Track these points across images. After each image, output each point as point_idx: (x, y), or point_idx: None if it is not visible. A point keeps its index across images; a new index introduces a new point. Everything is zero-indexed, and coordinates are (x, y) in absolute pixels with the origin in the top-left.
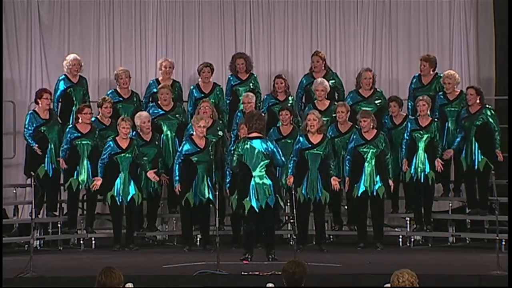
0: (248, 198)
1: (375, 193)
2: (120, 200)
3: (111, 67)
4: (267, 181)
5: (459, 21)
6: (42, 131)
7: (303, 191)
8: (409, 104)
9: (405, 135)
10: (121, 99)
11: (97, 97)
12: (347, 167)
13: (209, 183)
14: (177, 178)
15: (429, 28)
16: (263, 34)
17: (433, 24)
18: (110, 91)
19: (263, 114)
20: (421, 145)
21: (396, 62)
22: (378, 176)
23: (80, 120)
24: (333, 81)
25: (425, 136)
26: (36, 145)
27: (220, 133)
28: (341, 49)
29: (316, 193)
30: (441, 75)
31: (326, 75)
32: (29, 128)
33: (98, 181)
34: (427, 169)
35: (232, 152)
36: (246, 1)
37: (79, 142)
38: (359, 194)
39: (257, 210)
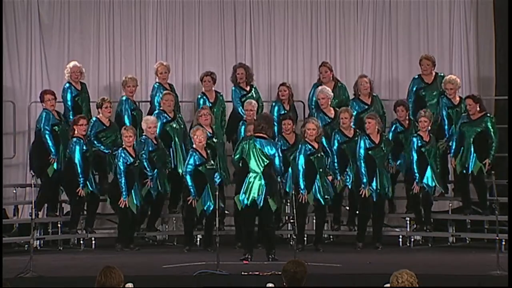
0: (240, 193)
1: (383, 195)
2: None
3: (111, 67)
4: (261, 181)
5: (459, 21)
6: (56, 130)
7: (317, 195)
8: (411, 105)
9: (413, 152)
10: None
11: (97, 98)
12: (363, 172)
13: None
14: (193, 192)
15: (429, 28)
16: (263, 35)
17: (433, 24)
18: (124, 97)
19: (274, 119)
20: (432, 159)
21: (396, 62)
22: (386, 179)
23: (76, 132)
24: (343, 95)
25: (433, 150)
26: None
27: (218, 139)
28: (341, 49)
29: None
30: (441, 74)
31: (335, 87)
32: (46, 126)
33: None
34: None
35: (236, 146)
36: (246, 1)
37: (88, 154)
38: (374, 198)
39: (242, 205)
